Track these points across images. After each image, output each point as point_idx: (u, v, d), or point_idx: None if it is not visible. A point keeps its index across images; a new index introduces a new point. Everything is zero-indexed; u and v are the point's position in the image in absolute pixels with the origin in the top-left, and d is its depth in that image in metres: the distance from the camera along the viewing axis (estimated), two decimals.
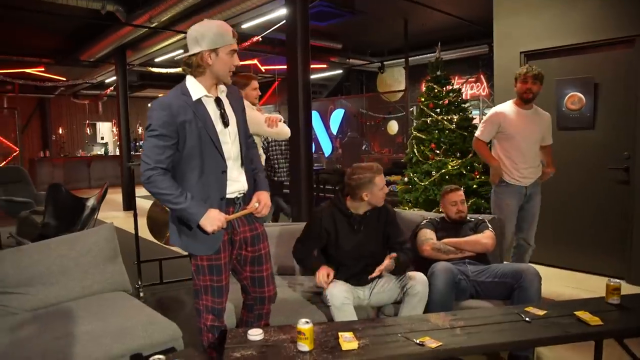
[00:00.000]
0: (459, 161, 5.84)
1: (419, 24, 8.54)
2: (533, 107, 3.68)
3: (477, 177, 5.84)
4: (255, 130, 3.30)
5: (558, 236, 4.78)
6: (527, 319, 2.21)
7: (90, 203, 4.99)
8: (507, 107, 3.69)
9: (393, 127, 11.11)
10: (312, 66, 11.09)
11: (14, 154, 12.82)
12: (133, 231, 4.43)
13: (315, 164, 11.46)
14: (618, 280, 2.43)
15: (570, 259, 4.68)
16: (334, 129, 11.11)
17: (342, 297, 2.43)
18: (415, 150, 6.13)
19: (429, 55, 7.91)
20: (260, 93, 4.00)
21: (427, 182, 5.71)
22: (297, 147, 4.74)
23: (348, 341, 1.97)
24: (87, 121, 14.89)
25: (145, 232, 4.66)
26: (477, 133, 3.82)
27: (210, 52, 2.10)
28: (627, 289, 3.88)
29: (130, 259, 4.21)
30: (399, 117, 10.76)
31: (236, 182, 2.24)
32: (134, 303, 2.81)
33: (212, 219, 2.08)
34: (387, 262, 2.52)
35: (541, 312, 2.29)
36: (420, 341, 1.98)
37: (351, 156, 10.91)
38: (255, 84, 3.83)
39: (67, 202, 5.00)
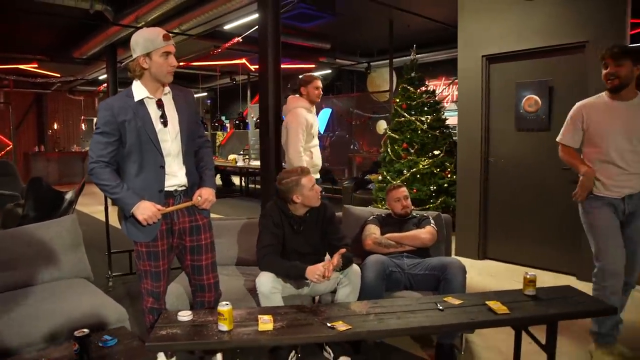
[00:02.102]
0: (430, 160, 6.03)
1: (404, 26, 8.70)
2: (637, 96, 2.78)
3: (448, 176, 6.03)
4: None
5: (513, 233, 4.97)
6: (440, 307, 2.38)
7: (69, 196, 5.17)
8: (596, 99, 2.89)
9: (381, 126, 11.25)
10: (300, 66, 11.30)
11: (7, 148, 13.04)
12: (115, 224, 4.63)
13: None
14: (534, 273, 2.60)
15: (525, 255, 4.86)
16: (322, 128, 11.26)
17: (270, 286, 2.60)
18: (389, 149, 6.33)
19: (418, 56, 8.00)
20: (321, 92, 4.23)
21: (399, 181, 5.89)
22: (268, 147, 4.90)
23: (265, 323, 2.16)
24: (83, 117, 15.11)
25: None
26: (559, 137, 3.01)
27: (144, 56, 2.30)
28: (578, 285, 4.03)
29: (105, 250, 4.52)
30: (386, 117, 10.92)
31: (174, 177, 2.45)
32: (89, 289, 3.00)
33: (143, 209, 2.29)
34: (337, 258, 2.62)
35: (457, 302, 2.46)
36: (332, 325, 2.16)
37: (339, 155, 11.08)
38: (317, 83, 4.12)
39: (46, 195, 5.18)
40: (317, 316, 2.30)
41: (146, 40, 2.28)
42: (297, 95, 4.17)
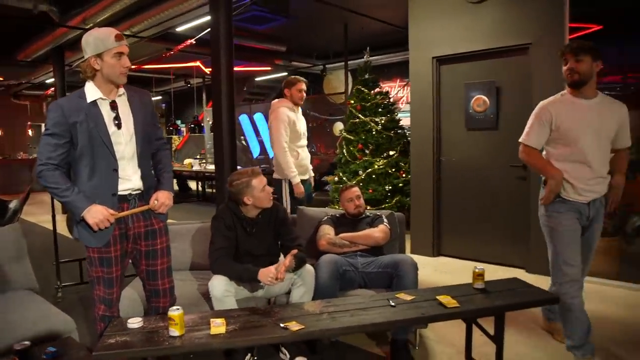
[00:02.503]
0: (385, 161, 6.11)
1: (358, 28, 8.80)
2: (597, 95, 2.70)
3: (403, 176, 6.13)
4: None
5: (466, 230, 5.11)
6: (392, 304, 2.42)
7: (13, 205, 4.95)
8: (561, 98, 2.76)
9: (338, 128, 11.34)
10: (255, 68, 11.26)
11: None
12: (64, 233, 4.48)
13: (263, 165, 11.59)
14: (482, 267, 2.67)
15: (477, 251, 5.00)
16: None
17: (222, 289, 2.58)
18: (344, 150, 6.38)
19: (373, 58, 8.12)
20: (305, 95, 4.29)
21: (355, 182, 5.95)
22: (222, 150, 4.86)
23: (217, 326, 2.13)
24: (29, 122, 14.53)
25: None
26: (522, 138, 2.84)
27: (95, 57, 2.24)
28: (527, 277, 4.20)
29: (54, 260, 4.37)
30: (342, 119, 11.01)
31: (128, 181, 2.38)
32: (34, 300, 2.87)
33: (94, 212, 2.22)
34: (289, 260, 2.61)
35: (409, 298, 2.51)
36: (285, 325, 2.16)
37: None
38: (300, 85, 4.20)
39: None
40: (271, 317, 2.29)
41: (97, 41, 2.22)
42: (281, 98, 4.27)
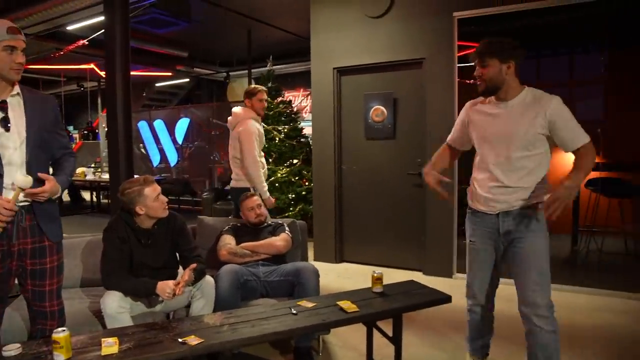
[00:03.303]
0: (288, 169, 6.14)
1: (262, 36, 8.81)
2: (519, 95, 2.37)
3: (306, 184, 6.19)
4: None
5: (367, 236, 5.27)
6: (294, 312, 2.42)
7: None
8: (484, 98, 2.53)
9: None
10: (155, 73, 10.86)
11: None
12: None
13: (164, 174, 11.15)
14: (380, 271, 2.76)
15: (378, 256, 5.18)
16: (180, 139, 10.91)
17: (116, 305, 2.43)
18: None
19: (276, 67, 8.17)
20: (265, 105, 4.21)
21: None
22: (117, 158, 4.61)
23: (109, 346, 1.99)
24: None
25: None
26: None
27: None
28: (423, 279, 4.39)
29: None
30: None
31: (15, 190, 2.14)
32: None
33: None
34: (188, 274, 2.52)
35: (310, 305, 2.52)
36: (183, 340, 2.08)
37: (199, 165, 10.80)
38: (261, 95, 4.10)
39: None
40: (168, 332, 2.19)
41: None
42: (245, 107, 4.18)
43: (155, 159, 11.40)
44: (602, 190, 5.33)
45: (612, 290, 4.20)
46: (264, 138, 4.31)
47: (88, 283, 3.23)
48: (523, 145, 2.33)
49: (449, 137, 2.72)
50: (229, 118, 4.25)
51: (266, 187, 4.06)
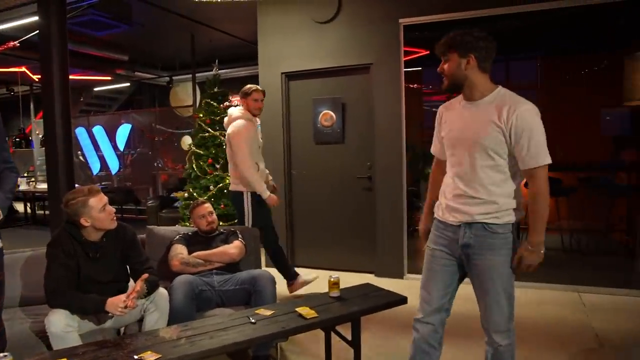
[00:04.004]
0: None
1: (206, 41, 8.64)
2: (488, 96, 2.11)
3: None
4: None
5: (318, 240, 5.29)
6: (252, 320, 2.38)
7: None
8: (455, 99, 2.28)
9: (186, 141, 10.95)
10: (93, 78, 10.42)
11: None
12: None
13: (104, 183, 10.71)
14: (337, 276, 2.77)
15: (331, 259, 5.21)
16: (121, 145, 10.52)
17: (62, 324, 2.29)
18: (194, 165, 6.18)
19: (222, 71, 8.02)
20: (262, 106, 4.03)
21: (205, 197, 5.79)
22: (56, 167, 4.37)
23: None
24: None
25: None
26: None
27: None
28: (376, 281, 4.44)
29: None
30: (190, 132, 10.69)
31: None
32: None
33: None
34: (140, 285, 2.42)
35: (269, 313, 2.49)
36: (139, 357, 1.99)
37: (142, 173, 10.46)
38: (255, 95, 3.96)
39: None
40: (122, 350, 2.09)
41: None
42: (239, 107, 4.04)
43: (95, 167, 10.93)
44: None
45: (554, 284, 4.42)
46: (259, 140, 4.14)
47: (28, 302, 3.03)
48: (485, 152, 2.07)
49: (432, 149, 2.44)
50: (225, 119, 4.15)
51: (264, 187, 3.95)
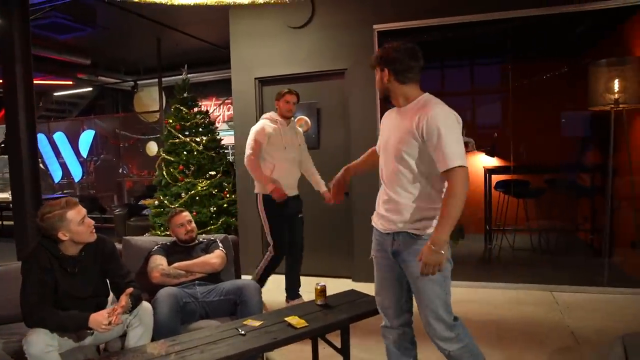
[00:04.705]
0: (208, 182, 5.96)
1: (172, 44, 8.46)
2: (411, 102, 2.18)
3: (227, 196, 6.04)
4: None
5: None
6: (242, 332, 2.33)
7: None
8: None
9: (152, 147, 10.73)
10: (54, 82, 10.06)
11: None
12: None
13: (66, 191, 10.35)
14: (323, 283, 2.75)
15: (307, 265, 5.14)
16: (84, 152, 10.19)
17: (42, 344, 2.17)
18: (164, 172, 6.04)
19: (190, 75, 7.84)
20: (292, 107, 4.03)
21: (177, 205, 5.67)
22: (20, 175, 4.19)
23: None
24: None
25: None
26: None
27: None
28: (353, 286, 4.43)
29: None
30: (156, 138, 10.46)
31: None
32: None
33: None
34: (125, 300, 2.33)
35: (257, 323, 2.45)
36: None
37: (106, 180, 10.17)
38: (287, 97, 3.99)
39: None
40: None
41: None
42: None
43: (57, 175, 10.54)
44: (512, 192, 5.76)
45: (529, 284, 4.52)
46: (283, 140, 4.01)
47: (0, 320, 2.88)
48: (399, 156, 2.12)
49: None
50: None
51: (264, 177, 3.93)
